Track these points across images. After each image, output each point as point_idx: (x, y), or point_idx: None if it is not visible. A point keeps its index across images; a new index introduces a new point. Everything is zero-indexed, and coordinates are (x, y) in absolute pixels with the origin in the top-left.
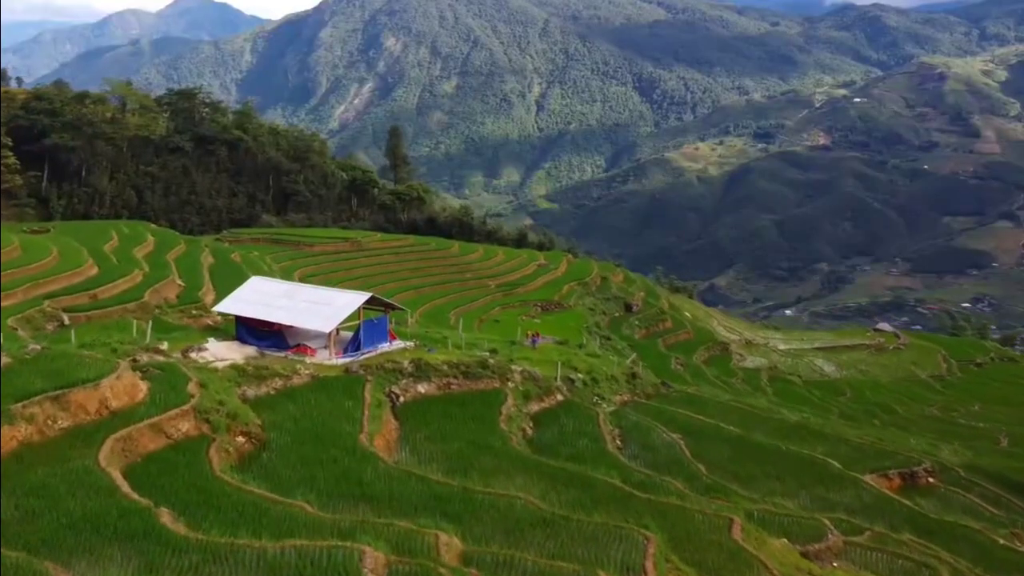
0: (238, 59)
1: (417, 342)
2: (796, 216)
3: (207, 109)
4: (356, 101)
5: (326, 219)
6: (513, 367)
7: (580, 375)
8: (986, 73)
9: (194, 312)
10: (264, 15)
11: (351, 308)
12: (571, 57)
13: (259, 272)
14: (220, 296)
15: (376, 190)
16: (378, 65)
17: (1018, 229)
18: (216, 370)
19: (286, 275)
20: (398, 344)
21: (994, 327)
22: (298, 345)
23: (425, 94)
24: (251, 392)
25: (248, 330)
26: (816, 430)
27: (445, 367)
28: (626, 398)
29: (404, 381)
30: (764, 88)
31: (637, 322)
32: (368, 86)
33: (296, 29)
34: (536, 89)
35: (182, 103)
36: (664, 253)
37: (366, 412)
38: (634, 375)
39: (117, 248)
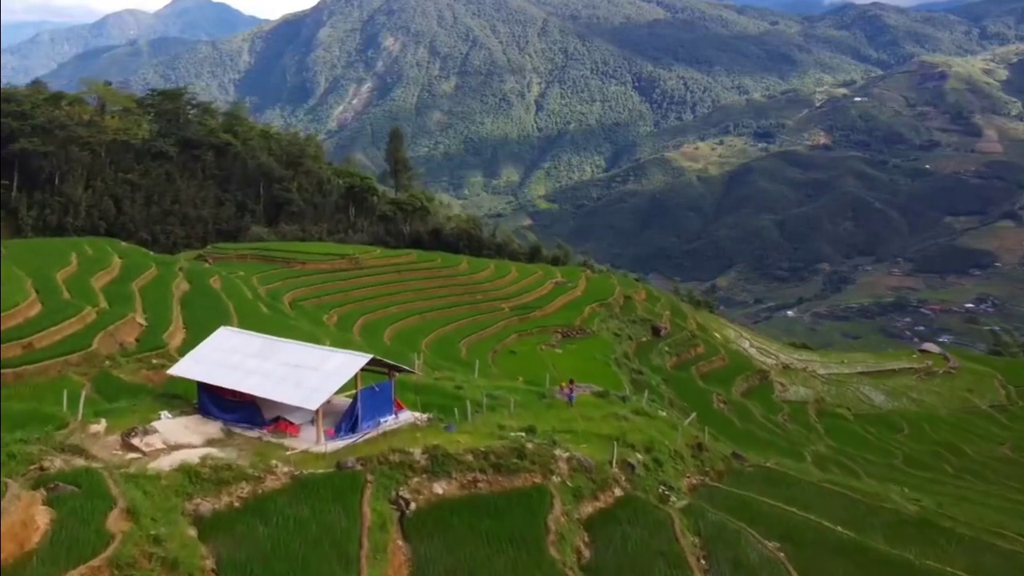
0: (236, 59)
1: (431, 416)
2: (797, 216)
3: (194, 111)
4: (355, 101)
5: (321, 231)
6: (557, 453)
7: (639, 456)
8: (987, 72)
9: (155, 362)
10: (262, 15)
11: (344, 376)
12: (570, 57)
13: (241, 300)
14: (190, 337)
15: (375, 198)
16: (376, 65)
17: (1021, 229)
18: (159, 477)
19: (275, 298)
20: (406, 416)
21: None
22: (276, 420)
23: (424, 94)
24: (207, 506)
25: (212, 398)
26: (946, 528)
27: (469, 457)
28: (695, 481)
29: (416, 480)
30: (764, 87)
31: (667, 348)
32: (367, 86)
33: (294, 29)
34: (535, 89)
35: (166, 104)
36: (664, 253)
37: (365, 542)
38: (700, 446)
39: (73, 276)
